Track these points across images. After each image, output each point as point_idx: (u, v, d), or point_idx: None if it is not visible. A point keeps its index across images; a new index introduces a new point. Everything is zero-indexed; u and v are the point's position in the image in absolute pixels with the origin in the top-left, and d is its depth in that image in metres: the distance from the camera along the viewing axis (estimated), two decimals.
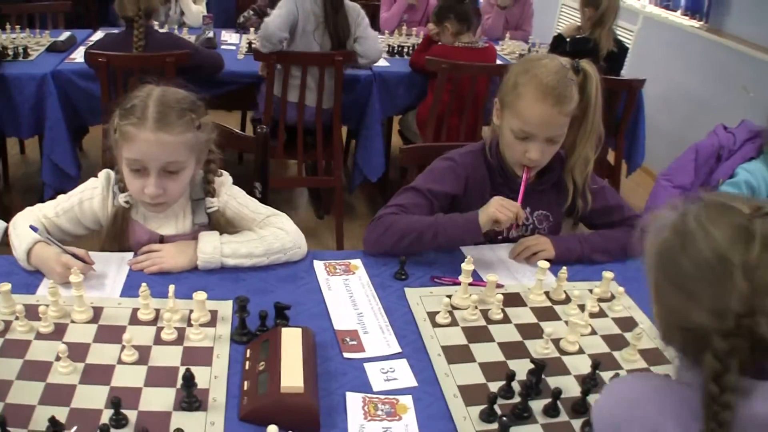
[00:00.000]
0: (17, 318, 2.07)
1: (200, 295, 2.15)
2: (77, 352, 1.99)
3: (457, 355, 2.13)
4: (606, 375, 2.07)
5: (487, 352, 2.15)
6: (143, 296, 2.16)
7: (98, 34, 5.81)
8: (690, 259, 1.35)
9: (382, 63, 5.73)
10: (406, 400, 1.93)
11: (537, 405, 1.93)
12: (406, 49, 6.04)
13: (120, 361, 1.97)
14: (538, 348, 2.17)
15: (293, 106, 5.02)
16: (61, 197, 2.57)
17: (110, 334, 2.07)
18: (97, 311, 2.18)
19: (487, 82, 5.09)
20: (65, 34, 5.71)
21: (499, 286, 2.46)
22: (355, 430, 1.82)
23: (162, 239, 2.56)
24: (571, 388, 2.01)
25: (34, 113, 4.99)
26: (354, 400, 1.91)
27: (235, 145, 3.14)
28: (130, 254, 2.51)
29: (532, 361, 1.98)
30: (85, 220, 2.56)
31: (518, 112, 2.52)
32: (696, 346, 1.34)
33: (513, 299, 2.43)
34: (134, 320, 2.16)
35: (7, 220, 2.50)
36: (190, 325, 2.10)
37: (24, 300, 2.16)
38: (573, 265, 2.62)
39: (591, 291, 2.41)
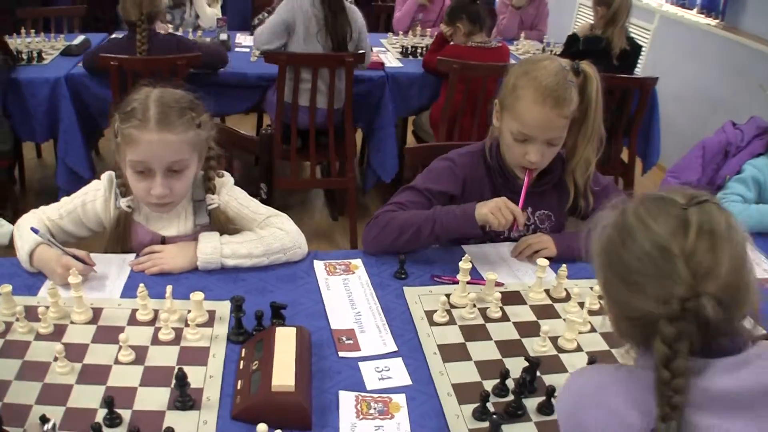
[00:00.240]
0: (17, 319, 2.08)
1: (197, 296, 2.16)
2: (75, 352, 2.00)
3: (453, 353, 2.12)
4: None
5: (483, 351, 2.14)
6: (141, 297, 2.17)
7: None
8: (632, 253, 1.40)
9: (395, 63, 5.77)
10: (400, 399, 1.93)
11: (531, 403, 1.93)
12: (419, 50, 6.04)
13: (117, 361, 1.98)
14: (536, 346, 2.17)
15: (304, 109, 5.03)
16: (64, 199, 2.58)
17: (109, 335, 2.08)
18: (97, 312, 2.19)
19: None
20: (79, 38, 5.74)
21: (498, 284, 2.46)
22: (346, 428, 1.82)
23: (164, 240, 2.57)
24: None
25: (48, 117, 5.03)
26: (347, 399, 1.92)
27: (240, 146, 3.14)
28: (132, 256, 2.52)
29: (527, 358, 1.98)
30: (88, 222, 2.57)
31: (517, 115, 2.51)
32: (645, 333, 1.38)
33: (513, 297, 2.42)
34: (133, 321, 2.17)
35: None
36: (187, 325, 2.11)
37: (25, 301, 2.18)
38: (574, 263, 2.60)
39: (591, 288, 2.40)
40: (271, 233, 2.53)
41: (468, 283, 2.37)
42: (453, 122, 5.17)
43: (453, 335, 2.21)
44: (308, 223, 5.71)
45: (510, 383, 1.96)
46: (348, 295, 2.39)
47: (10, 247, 2.51)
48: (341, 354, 2.10)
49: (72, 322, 2.14)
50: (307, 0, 5.03)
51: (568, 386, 1.60)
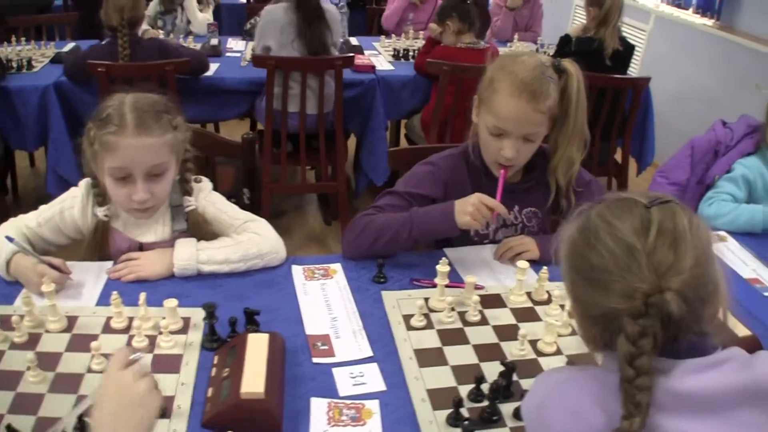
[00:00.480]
0: None
1: (171, 303, 2.13)
2: (49, 361, 1.97)
3: (429, 358, 2.09)
4: None
5: (460, 355, 2.11)
6: (115, 304, 2.15)
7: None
8: (597, 252, 1.40)
9: (386, 66, 5.74)
10: (373, 405, 1.89)
11: (508, 408, 1.89)
12: (411, 53, 6.00)
13: (90, 370, 1.96)
14: (514, 350, 2.13)
15: (294, 114, 5.02)
16: (42, 207, 2.57)
17: (83, 343, 2.04)
18: (72, 320, 2.17)
19: None
20: (69, 45, 5.75)
21: (479, 287, 2.43)
22: None
23: (141, 247, 2.55)
24: None
25: (38, 125, 5.00)
26: (318, 406, 1.88)
27: (222, 151, 3.11)
28: (109, 263, 2.49)
29: (503, 363, 1.94)
30: (66, 229, 2.55)
31: (493, 108, 2.46)
32: (610, 332, 1.38)
33: (493, 300, 2.38)
34: (107, 329, 2.15)
35: None
36: (161, 332, 2.08)
37: (1, 311, 2.17)
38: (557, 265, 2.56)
39: None
40: (248, 239, 2.50)
41: (447, 286, 2.33)
42: (444, 124, 5.13)
43: (430, 340, 2.17)
44: (301, 227, 5.70)
45: (486, 388, 1.92)
46: (325, 300, 2.35)
47: None
48: (315, 360, 2.07)
49: (47, 331, 2.11)
50: (281, 8, 5.04)
51: (534, 388, 1.59)
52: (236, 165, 3.22)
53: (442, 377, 2.01)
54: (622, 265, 1.35)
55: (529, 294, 2.42)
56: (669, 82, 7.09)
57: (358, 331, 2.20)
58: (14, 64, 5.18)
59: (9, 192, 5.79)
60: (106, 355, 1.96)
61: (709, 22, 6.89)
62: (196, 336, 2.12)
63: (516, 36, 6.85)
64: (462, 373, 2.03)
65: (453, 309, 2.28)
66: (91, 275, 2.43)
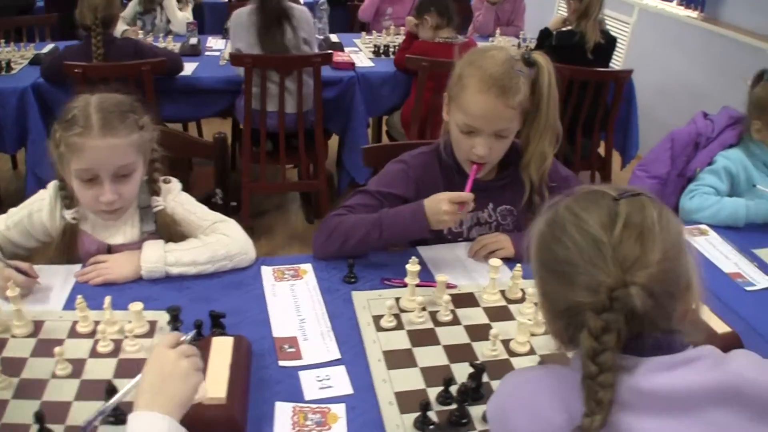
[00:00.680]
0: None
1: (136, 306, 2.09)
2: (14, 366, 1.94)
3: (398, 360, 2.04)
4: None
5: (430, 356, 2.06)
6: (80, 309, 2.10)
7: None
8: (563, 245, 1.38)
9: (366, 63, 5.70)
10: (339, 409, 1.85)
11: (477, 411, 1.85)
12: (392, 49, 5.95)
13: (54, 375, 1.92)
14: (486, 350, 2.09)
15: (273, 113, 4.97)
16: (11, 210, 2.53)
17: (48, 348, 1.99)
18: (38, 325, 2.13)
19: None
20: (48, 47, 5.70)
21: (451, 286, 2.38)
22: None
23: (110, 249, 2.51)
24: None
25: (17, 127, 4.95)
26: (283, 410, 1.84)
27: (193, 151, 3.07)
28: (77, 266, 2.44)
29: (472, 364, 1.89)
30: (35, 232, 2.52)
31: (462, 105, 2.40)
32: (574, 326, 1.35)
33: (465, 299, 2.34)
34: (73, 333, 2.11)
35: None
36: (126, 336, 2.04)
37: None
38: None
39: None
40: (216, 240, 2.46)
41: (418, 285, 2.29)
42: (424, 121, 5.10)
43: (400, 341, 2.13)
44: (284, 226, 5.66)
45: (455, 390, 1.87)
46: (294, 301, 2.31)
47: None
48: (281, 363, 2.02)
49: (13, 336, 2.08)
50: (246, 10, 5.03)
51: (498, 389, 1.56)
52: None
53: (410, 379, 1.97)
54: (587, 258, 1.33)
55: (503, 292, 2.37)
56: (653, 75, 7.06)
57: (326, 332, 2.16)
58: None
59: None
60: (71, 360, 1.94)
61: (693, 14, 6.86)
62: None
63: (498, 30, 6.79)
64: (431, 374, 1.98)
65: (424, 309, 2.23)
66: (59, 279, 2.38)
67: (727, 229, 3.03)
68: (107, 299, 2.11)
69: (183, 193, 2.63)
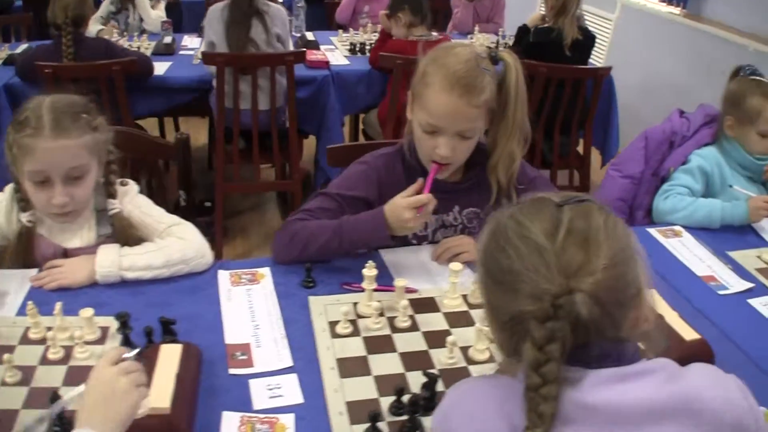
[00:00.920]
0: None
1: (86, 312, 2.04)
2: None
3: (352, 367, 1.98)
4: None
5: (385, 364, 2.00)
6: (31, 315, 2.05)
7: None
8: (506, 254, 1.33)
9: (342, 62, 5.64)
10: (287, 419, 1.79)
11: (430, 422, 1.76)
12: (368, 47, 5.88)
13: (3, 383, 1.87)
14: (443, 358, 2.02)
15: (246, 111, 4.90)
16: None
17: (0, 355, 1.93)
18: None
19: None
20: (22, 47, 5.62)
21: (411, 290, 2.32)
22: None
23: (66, 253, 2.45)
24: None
25: None
26: (230, 420, 1.78)
27: (155, 152, 3.01)
28: (33, 271, 2.39)
29: (425, 373, 1.83)
30: None
31: (425, 104, 2.33)
32: (518, 336, 1.31)
33: (426, 304, 2.28)
34: (25, 339, 2.05)
35: None
36: (77, 343, 1.99)
37: None
38: None
39: None
40: (171, 243, 2.40)
41: (377, 290, 2.23)
42: (400, 119, 5.03)
43: (355, 348, 2.06)
44: (260, 226, 5.62)
45: (408, 400, 1.81)
46: (249, 306, 2.24)
47: None
48: (232, 371, 1.96)
49: None
50: (221, 4, 4.99)
51: (444, 399, 1.50)
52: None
53: (363, 388, 1.91)
54: (530, 266, 1.28)
55: (464, 297, 2.31)
56: (636, 72, 7.04)
57: (279, 339, 2.09)
58: None
59: None
60: (20, 367, 1.90)
61: (675, 10, 6.83)
62: (113, 346, 2.01)
63: (477, 27, 6.73)
64: (385, 383, 1.91)
65: (381, 315, 2.17)
66: (15, 283, 2.33)
67: (702, 231, 2.97)
68: (58, 305, 2.06)
69: (140, 196, 2.58)
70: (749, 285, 2.57)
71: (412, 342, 2.10)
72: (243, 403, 1.85)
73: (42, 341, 2.05)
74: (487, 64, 2.37)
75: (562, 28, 5.31)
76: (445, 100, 2.31)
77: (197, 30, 6.32)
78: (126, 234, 2.47)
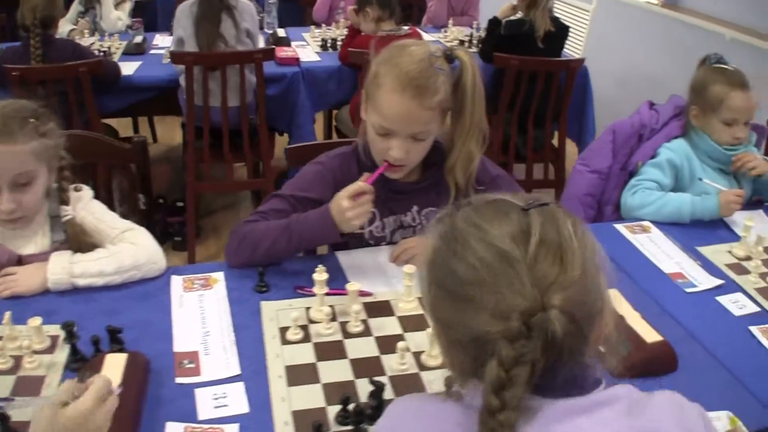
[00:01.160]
0: None
1: (35, 321, 2.00)
2: None
3: (300, 375, 1.93)
4: None
5: (334, 371, 1.96)
6: None
7: None
8: (465, 262, 1.20)
9: (312, 58, 5.60)
10: (232, 429, 1.75)
11: None
12: (339, 42, 5.81)
13: None
14: (395, 364, 1.98)
15: (216, 108, 4.86)
16: None
17: None
18: None
19: None
20: None
21: (366, 294, 2.28)
22: None
23: (20, 259, 2.40)
24: None
25: None
26: (173, 431, 1.74)
27: (113, 155, 2.96)
28: None
29: (372, 381, 1.78)
30: None
31: (377, 106, 2.28)
32: (479, 357, 1.17)
33: (380, 308, 2.23)
34: None
35: None
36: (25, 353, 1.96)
37: None
38: None
39: None
40: (123, 249, 2.36)
41: (331, 294, 2.19)
42: None
43: (305, 354, 2.02)
44: (233, 225, 5.53)
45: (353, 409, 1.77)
46: (200, 313, 2.20)
47: None
48: (178, 380, 1.92)
49: None
50: (189, 2, 4.97)
51: (383, 415, 1.43)
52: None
53: (311, 397, 1.86)
54: (497, 279, 1.16)
55: (420, 300, 2.25)
56: (613, 63, 7.02)
57: (229, 346, 2.05)
58: None
59: None
60: None
61: (653, 0, 6.77)
62: (62, 356, 1.99)
63: (451, 21, 6.67)
64: (333, 391, 1.86)
65: (333, 320, 2.13)
66: None
67: (672, 226, 2.93)
68: (7, 314, 2.02)
69: (94, 201, 2.54)
70: (718, 282, 2.53)
71: (364, 348, 2.05)
72: (188, 413, 1.81)
73: None
74: (441, 63, 2.31)
75: (533, 19, 5.29)
76: (397, 102, 2.25)
77: (170, 29, 6.27)
78: (79, 240, 2.42)
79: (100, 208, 2.54)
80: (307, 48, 5.88)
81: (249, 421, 1.79)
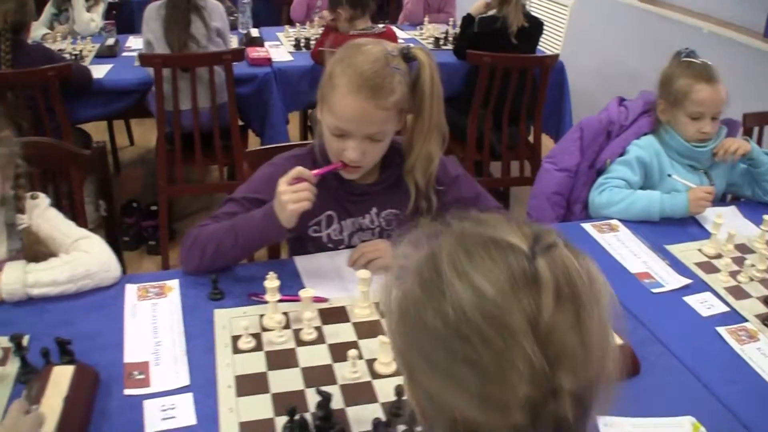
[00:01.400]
0: None
1: None
2: None
3: (250, 385, 1.90)
4: None
5: (285, 381, 1.92)
6: None
7: None
8: (447, 322, 0.95)
9: (285, 58, 5.57)
10: None
11: None
12: (313, 42, 5.80)
13: None
14: (347, 372, 1.94)
15: (187, 111, 4.83)
16: None
17: None
18: None
19: None
20: None
21: (321, 300, 2.24)
22: None
23: None
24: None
25: None
26: None
27: (71, 162, 2.92)
28: None
29: (318, 391, 1.74)
30: None
31: (332, 107, 2.24)
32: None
33: (336, 314, 2.19)
34: None
35: None
36: None
37: None
38: None
39: None
40: (76, 257, 2.33)
41: (282, 301, 2.16)
42: None
43: (256, 364, 1.98)
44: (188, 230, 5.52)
45: (309, 419, 1.75)
46: (153, 322, 2.16)
47: None
48: (127, 392, 1.88)
49: None
50: (156, 4, 4.94)
51: None
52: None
53: (260, 408, 1.82)
54: (493, 352, 0.92)
55: (377, 305, 2.21)
56: (593, 58, 7.02)
57: (179, 356, 2.01)
58: None
59: None
60: None
61: None
62: (13, 368, 1.95)
63: (426, 18, 6.63)
64: (283, 401, 1.81)
65: (286, 327, 2.10)
66: None
67: (641, 224, 2.90)
68: None
69: (51, 209, 2.50)
70: (686, 281, 2.50)
71: (317, 356, 2.01)
72: (136, 426, 1.77)
73: None
74: (398, 63, 2.28)
75: (506, 16, 5.26)
76: (351, 103, 2.22)
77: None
78: (34, 249, 2.39)
79: (56, 216, 2.50)
80: (280, 48, 5.85)
81: None
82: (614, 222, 2.91)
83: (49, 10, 6.25)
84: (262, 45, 5.72)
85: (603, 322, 0.99)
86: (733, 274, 2.54)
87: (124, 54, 5.70)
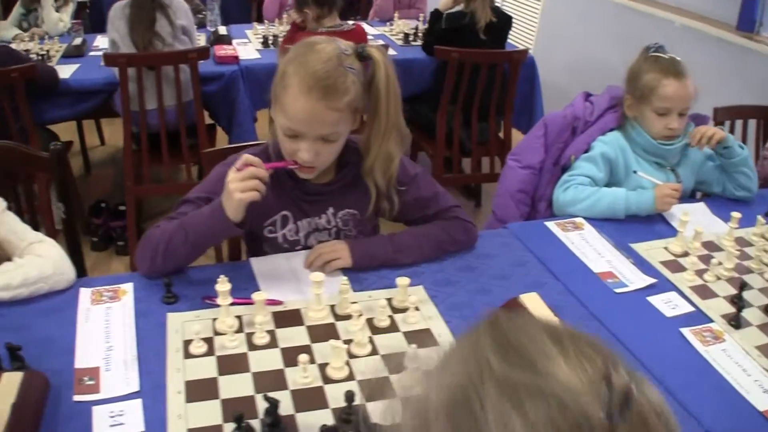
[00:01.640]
0: None
1: None
2: None
3: (200, 391, 1.87)
4: (376, 406, 1.62)
5: (235, 386, 1.89)
6: None
7: None
8: None
9: (253, 56, 5.53)
10: None
11: None
12: (281, 39, 5.75)
13: None
14: (298, 377, 1.91)
15: (153, 111, 4.82)
16: None
17: None
18: None
19: None
20: None
21: (276, 302, 2.22)
22: None
23: None
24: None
25: None
26: None
27: (30, 164, 2.90)
28: None
29: (266, 397, 1.72)
30: None
31: (284, 107, 2.20)
32: None
33: (290, 318, 2.16)
34: None
35: None
36: None
37: None
38: (379, 270, 2.39)
39: (390, 300, 2.20)
40: (29, 261, 2.29)
41: (236, 304, 2.14)
42: None
43: (207, 369, 1.95)
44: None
45: (257, 426, 1.73)
46: (105, 326, 2.13)
47: None
48: (77, 398, 1.86)
49: None
50: (121, 3, 4.91)
51: None
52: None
53: (208, 414, 1.80)
54: None
55: (332, 307, 2.20)
56: (566, 52, 7.02)
57: (130, 362, 1.99)
58: None
59: None
60: None
61: None
62: None
63: (396, 14, 6.62)
64: (232, 407, 1.79)
65: (239, 331, 2.08)
66: None
67: (607, 222, 2.88)
68: None
69: (8, 213, 2.46)
70: (651, 281, 2.47)
71: (269, 360, 1.98)
72: None
73: None
74: (352, 62, 2.26)
75: (474, 11, 5.25)
76: (303, 104, 2.19)
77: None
78: None
79: (12, 219, 2.45)
80: (248, 45, 5.82)
81: None
82: (579, 220, 2.88)
83: (17, 10, 6.23)
84: (229, 43, 5.69)
85: None
86: (700, 273, 2.52)
87: (92, 54, 5.67)
